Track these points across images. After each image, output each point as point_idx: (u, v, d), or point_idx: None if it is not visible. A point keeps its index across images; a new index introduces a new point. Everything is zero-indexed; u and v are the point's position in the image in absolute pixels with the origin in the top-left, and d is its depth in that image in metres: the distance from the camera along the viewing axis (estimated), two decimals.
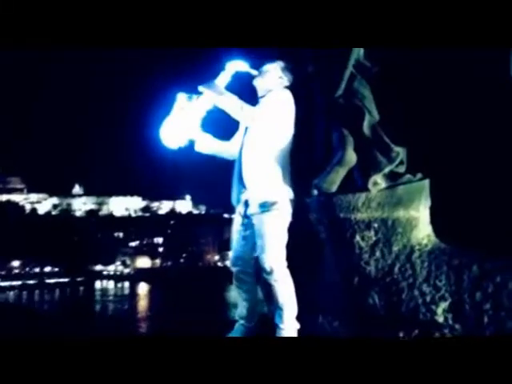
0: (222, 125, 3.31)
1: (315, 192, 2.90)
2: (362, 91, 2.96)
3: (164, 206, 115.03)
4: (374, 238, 2.83)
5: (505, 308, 2.57)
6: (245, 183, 3.01)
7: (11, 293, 63.98)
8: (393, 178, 2.80)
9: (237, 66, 3.05)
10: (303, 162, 2.97)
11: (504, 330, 2.56)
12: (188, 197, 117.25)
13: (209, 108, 3.03)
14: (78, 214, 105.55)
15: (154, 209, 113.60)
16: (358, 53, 3.04)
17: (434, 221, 2.85)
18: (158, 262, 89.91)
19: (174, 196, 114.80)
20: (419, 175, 2.87)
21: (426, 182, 2.85)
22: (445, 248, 2.77)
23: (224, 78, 3.03)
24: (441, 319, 2.73)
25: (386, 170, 2.76)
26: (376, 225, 2.80)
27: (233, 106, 2.88)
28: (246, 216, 3.04)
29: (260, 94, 3.08)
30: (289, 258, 2.97)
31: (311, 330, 3.11)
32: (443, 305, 2.73)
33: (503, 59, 2.75)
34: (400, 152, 2.77)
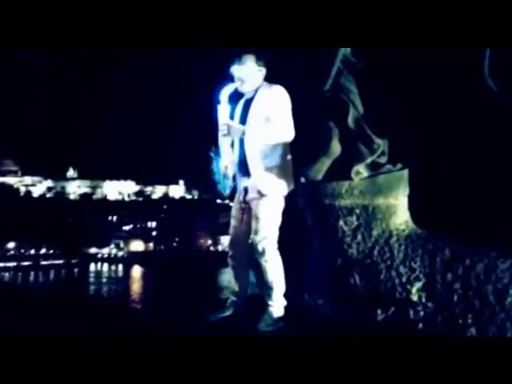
0: None
1: (302, 179, 3.12)
2: (348, 86, 3.16)
3: (157, 191, 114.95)
4: (355, 223, 3.07)
5: (472, 288, 2.83)
6: (250, 172, 3.19)
7: (6, 274, 64.21)
8: (374, 168, 3.02)
9: (226, 91, 3.16)
10: (292, 151, 3.15)
11: (472, 308, 2.82)
12: (181, 182, 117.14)
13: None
14: (72, 197, 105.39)
15: (148, 193, 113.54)
16: (346, 49, 3.24)
17: (412, 208, 3.08)
18: (151, 245, 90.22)
19: (168, 181, 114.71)
20: (399, 165, 3.10)
21: (405, 172, 3.09)
22: (420, 233, 3.01)
23: (224, 111, 3.14)
24: (415, 298, 2.99)
25: (368, 160, 2.99)
26: (358, 211, 3.04)
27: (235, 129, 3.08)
28: (244, 202, 3.25)
29: (248, 95, 3.19)
30: (278, 240, 3.20)
31: (297, 307, 3.35)
32: (417, 285, 2.98)
33: (479, 57, 2.95)
34: (381, 144, 2.99)
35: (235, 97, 3.26)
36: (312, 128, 3.15)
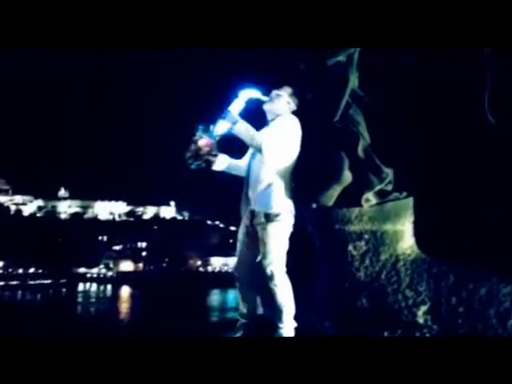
0: (236, 143, 3.62)
1: (314, 205, 3.27)
2: (357, 118, 3.35)
3: (148, 211, 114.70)
4: (364, 248, 3.21)
5: (476, 311, 2.97)
6: (250, 197, 3.36)
7: None
8: (382, 196, 3.19)
9: (249, 93, 3.36)
10: (303, 179, 3.31)
11: (475, 330, 2.96)
12: (172, 203, 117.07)
13: (224, 133, 3.32)
14: (63, 216, 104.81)
15: (139, 213, 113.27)
16: (354, 83, 3.44)
17: (417, 234, 3.24)
18: (140, 265, 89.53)
19: (159, 201, 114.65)
20: (404, 193, 3.27)
21: (411, 200, 3.25)
22: (425, 258, 3.16)
23: (238, 105, 3.31)
24: (421, 320, 3.12)
25: (377, 188, 3.16)
26: (367, 236, 3.19)
27: (245, 134, 3.20)
28: (251, 225, 3.38)
29: (269, 117, 3.42)
30: (286, 264, 3.32)
31: (304, 330, 3.46)
32: (423, 308, 3.11)
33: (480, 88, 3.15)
34: (389, 173, 3.16)
35: (254, 104, 3.44)
36: (323, 157, 3.31)
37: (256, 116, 3.46)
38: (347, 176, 3.17)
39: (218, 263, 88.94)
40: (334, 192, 3.21)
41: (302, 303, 3.43)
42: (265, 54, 3.71)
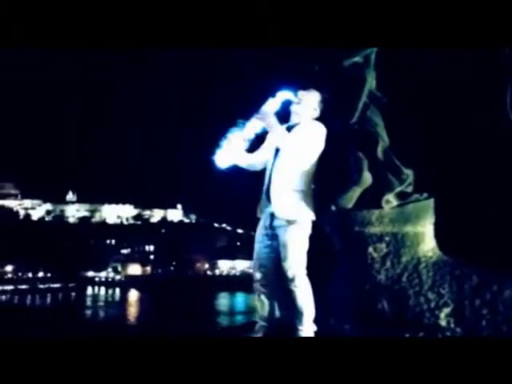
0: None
1: (333, 208, 3.24)
2: (375, 119, 3.32)
3: (156, 215, 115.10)
4: (385, 250, 3.18)
5: (500, 313, 2.93)
6: (271, 199, 3.34)
7: (3, 297, 63.66)
8: (402, 197, 3.16)
9: (286, 95, 3.35)
10: (322, 181, 3.29)
11: (499, 332, 2.92)
12: (179, 206, 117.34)
13: (258, 132, 3.36)
14: (71, 220, 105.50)
15: (146, 217, 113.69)
16: (371, 84, 3.41)
17: (438, 235, 3.20)
18: (148, 269, 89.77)
19: (166, 205, 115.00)
20: (425, 195, 3.24)
21: (431, 201, 3.22)
22: (447, 260, 3.12)
23: (274, 105, 3.32)
24: (443, 323, 3.08)
25: (397, 189, 3.12)
26: (387, 238, 3.15)
27: (279, 134, 3.21)
28: (270, 227, 3.36)
29: (294, 119, 3.38)
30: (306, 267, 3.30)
31: (322, 332, 3.43)
32: (446, 310, 3.07)
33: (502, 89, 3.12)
34: (409, 174, 3.13)
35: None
36: (342, 158, 3.29)
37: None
38: (367, 178, 3.14)
39: (225, 266, 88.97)
40: (354, 194, 3.19)
41: (319, 305, 3.41)
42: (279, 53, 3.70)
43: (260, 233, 3.47)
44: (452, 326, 3.06)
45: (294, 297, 3.27)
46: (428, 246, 3.19)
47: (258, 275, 3.47)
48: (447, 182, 3.24)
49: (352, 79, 3.40)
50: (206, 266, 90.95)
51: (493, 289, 2.96)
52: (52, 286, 72.73)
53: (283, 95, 3.35)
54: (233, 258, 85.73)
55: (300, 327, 3.28)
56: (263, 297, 3.48)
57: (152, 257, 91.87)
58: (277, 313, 3.50)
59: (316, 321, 3.33)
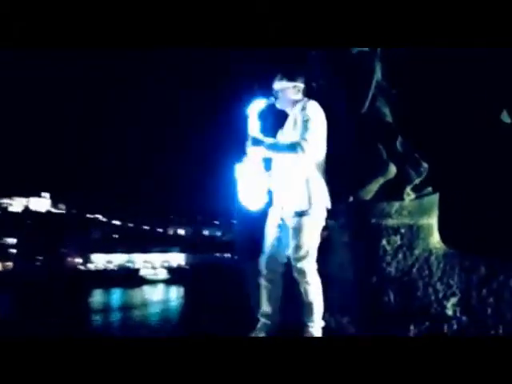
0: None
1: (351, 199, 3.16)
2: (384, 110, 3.32)
3: (16, 203, 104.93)
4: (399, 242, 3.20)
5: (505, 301, 3.11)
6: (278, 193, 3.17)
7: None
8: (418, 190, 3.19)
9: (256, 106, 3.15)
10: (340, 172, 3.18)
11: (504, 320, 3.09)
12: (46, 194, 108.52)
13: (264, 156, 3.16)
14: None
15: (4, 205, 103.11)
16: (378, 75, 3.40)
17: (445, 228, 3.29)
18: (9, 264, 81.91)
19: (26, 193, 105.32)
20: (430, 188, 3.31)
21: (437, 195, 3.30)
22: (457, 251, 3.23)
23: (253, 124, 3.13)
24: (450, 312, 3.19)
25: (416, 182, 3.15)
26: (403, 230, 3.17)
27: (279, 150, 3.07)
28: (280, 219, 3.18)
29: (288, 110, 3.22)
30: None
31: (327, 328, 3.34)
32: (453, 300, 3.19)
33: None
34: (426, 167, 3.17)
35: (267, 112, 3.23)
36: (359, 150, 3.22)
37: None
38: (392, 169, 3.12)
39: (100, 260, 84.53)
40: (375, 185, 3.15)
41: (324, 300, 3.32)
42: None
43: (270, 224, 3.28)
44: (458, 314, 3.18)
45: (304, 292, 3.14)
46: (437, 237, 3.27)
47: (266, 269, 3.27)
48: (452, 176, 3.34)
49: (361, 68, 3.35)
50: (78, 260, 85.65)
51: (499, 278, 3.13)
52: None
53: (254, 109, 3.16)
54: (109, 251, 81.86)
55: (310, 324, 3.16)
56: (270, 293, 3.28)
57: (14, 250, 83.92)
58: (279, 310, 3.33)
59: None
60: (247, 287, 3.87)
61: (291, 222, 3.12)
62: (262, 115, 3.18)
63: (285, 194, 3.14)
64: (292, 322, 3.29)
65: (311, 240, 3.11)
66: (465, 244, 3.24)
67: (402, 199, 3.13)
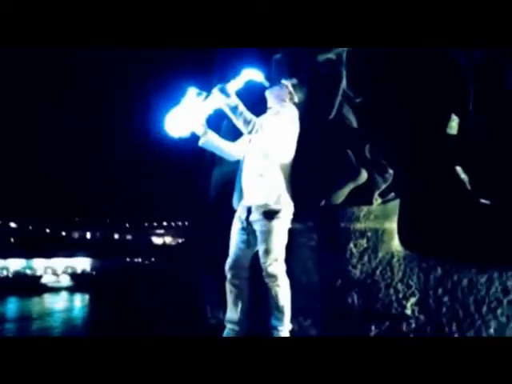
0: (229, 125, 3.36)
1: (322, 203, 3.22)
2: (350, 117, 3.43)
3: None
4: (365, 245, 3.32)
5: (458, 300, 3.34)
6: (245, 192, 3.16)
7: None
8: (384, 195, 3.33)
9: (252, 74, 3.18)
10: (301, 177, 3.22)
11: (456, 317, 3.32)
12: None
13: (216, 108, 3.10)
14: None
15: None
16: (343, 83, 3.51)
17: (404, 232, 3.46)
18: None
19: None
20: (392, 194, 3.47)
21: (398, 200, 3.47)
22: (416, 253, 3.41)
23: (236, 84, 3.12)
24: (409, 312, 3.36)
25: (382, 187, 3.28)
26: (369, 234, 3.30)
27: (239, 114, 3.01)
28: (247, 221, 3.16)
29: (270, 104, 3.26)
30: None
31: (292, 330, 3.37)
32: (412, 299, 3.36)
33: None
34: (392, 173, 3.32)
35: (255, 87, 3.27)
36: (327, 155, 3.29)
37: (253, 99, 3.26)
38: (363, 175, 3.22)
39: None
40: (346, 190, 3.24)
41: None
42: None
43: (235, 227, 3.25)
44: (416, 314, 3.36)
45: (275, 296, 3.15)
46: (398, 241, 3.43)
47: (232, 273, 3.22)
48: (409, 183, 3.52)
49: (327, 75, 3.44)
50: None
51: (454, 278, 3.35)
52: None
53: (248, 74, 3.20)
54: (4, 256, 75.53)
55: (280, 327, 3.17)
56: (236, 297, 3.24)
57: None
58: (246, 315, 3.29)
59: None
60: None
61: (259, 226, 3.11)
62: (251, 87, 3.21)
63: (255, 195, 3.13)
64: (259, 326, 3.28)
65: (280, 243, 3.13)
66: (422, 246, 3.43)
67: (371, 204, 3.25)
